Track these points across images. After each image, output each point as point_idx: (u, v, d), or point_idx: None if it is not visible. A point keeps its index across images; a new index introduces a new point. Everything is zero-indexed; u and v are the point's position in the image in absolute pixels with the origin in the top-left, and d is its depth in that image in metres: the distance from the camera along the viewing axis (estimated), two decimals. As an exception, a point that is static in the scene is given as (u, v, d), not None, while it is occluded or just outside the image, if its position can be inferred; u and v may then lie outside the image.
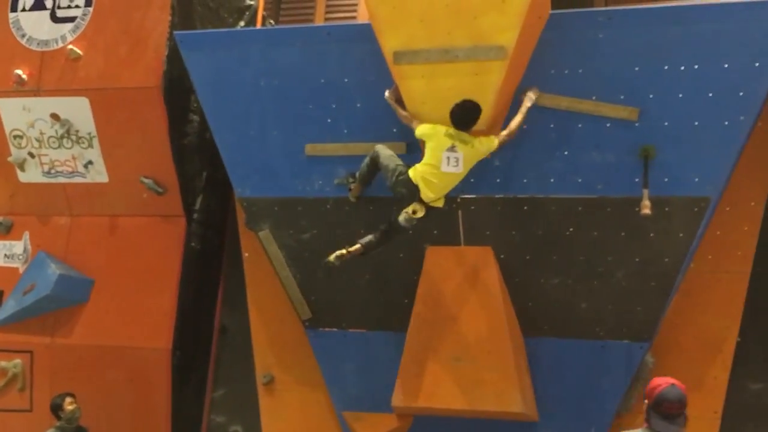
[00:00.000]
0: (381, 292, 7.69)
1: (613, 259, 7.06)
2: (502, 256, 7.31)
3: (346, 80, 7.32)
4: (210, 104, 7.75)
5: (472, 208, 7.27)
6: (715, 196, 6.85)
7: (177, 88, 8.30)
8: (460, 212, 7.31)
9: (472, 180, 7.17)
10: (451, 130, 6.67)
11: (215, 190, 8.88)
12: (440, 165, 6.64)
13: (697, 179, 6.74)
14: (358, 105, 7.32)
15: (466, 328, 7.23)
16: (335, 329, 7.92)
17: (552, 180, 7.07)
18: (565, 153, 6.98)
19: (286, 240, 7.77)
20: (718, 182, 6.81)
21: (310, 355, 8.03)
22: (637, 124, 6.75)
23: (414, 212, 6.75)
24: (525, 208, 7.17)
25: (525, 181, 7.13)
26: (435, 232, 7.41)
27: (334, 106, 7.38)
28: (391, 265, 7.58)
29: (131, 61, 8.30)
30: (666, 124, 6.71)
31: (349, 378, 7.86)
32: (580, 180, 6.98)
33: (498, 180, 7.18)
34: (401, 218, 6.79)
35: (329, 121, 7.42)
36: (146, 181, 8.48)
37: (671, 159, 6.74)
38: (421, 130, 6.79)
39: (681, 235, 6.87)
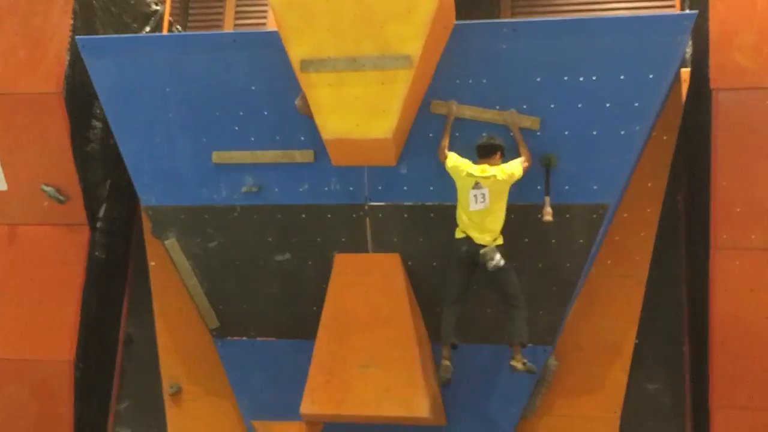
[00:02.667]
0: (289, 300, 7.68)
1: (517, 265, 7.19)
2: (409, 263, 7.39)
3: (253, 87, 7.29)
4: (113, 111, 7.60)
5: (380, 215, 7.34)
6: (613, 203, 7.09)
7: (79, 94, 8.11)
8: (368, 219, 7.37)
9: (379, 187, 7.26)
10: (471, 169, 6.81)
11: (120, 198, 8.73)
12: (469, 205, 6.81)
13: (595, 187, 6.95)
14: (266, 113, 7.30)
15: (375, 334, 7.29)
16: (243, 338, 7.87)
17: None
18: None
19: (193, 248, 7.68)
20: (616, 190, 7.04)
21: (218, 364, 7.97)
22: (538, 133, 6.92)
23: (486, 256, 6.77)
24: (432, 215, 7.27)
25: (432, 188, 7.23)
26: (343, 239, 7.44)
27: (241, 114, 7.34)
28: (300, 272, 7.59)
29: (31, 66, 8.07)
30: (566, 133, 6.90)
31: (258, 387, 7.83)
32: (485, 188, 7.13)
33: (405, 188, 7.26)
34: (490, 266, 6.78)
35: (236, 128, 7.37)
36: (48, 189, 8.25)
37: (571, 167, 6.94)
38: (448, 164, 6.91)
39: (581, 241, 7.09)
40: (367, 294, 7.37)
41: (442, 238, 7.29)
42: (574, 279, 7.21)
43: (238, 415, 8.01)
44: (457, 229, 7.00)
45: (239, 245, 7.58)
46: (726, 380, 7.32)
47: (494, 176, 6.78)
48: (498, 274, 6.83)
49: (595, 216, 7.02)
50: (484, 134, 6.87)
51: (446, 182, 7.15)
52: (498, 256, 6.77)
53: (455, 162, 6.91)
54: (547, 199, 6.90)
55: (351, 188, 7.31)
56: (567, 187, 6.98)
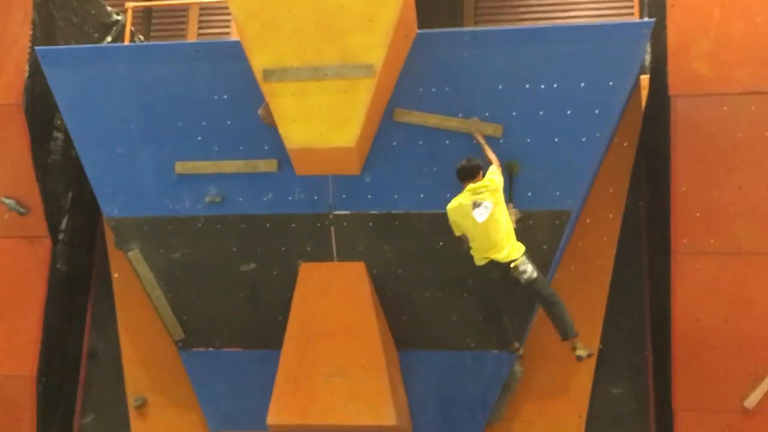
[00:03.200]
0: (255, 310, 7.66)
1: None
2: (374, 272, 7.40)
3: (216, 97, 7.28)
4: (74, 122, 7.54)
5: (345, 224, 7.34)
6: (576, 209, 7.16)
7: (39, 105, 8.04)
8: (332, 228, 7.37)
9: (344, 196, 7.27)
10: (459, 196, 6.84)
11: (82, 210, 8.65)
12: (477, 223, 6.75)
13: (558, 193, 7.02)
14: (229, 122, 7.29)
15: (340, 343, 7.30)
16: (209, 349, 7.82)
17: (422, 196, 7.22)
18: (434, 169, 7.15)
19: (157, 260, 7.63)
20: (578, 196, 7.12)
21: (184, 375, 7.91)
22: (501, 141, 6.99)
23: (516, 270, 6.80)
24: (396, 223, 7.30)
25: (396, 197, 7.26)
26: (308, 248, 7.44)
27: (204, 124, 7.32)
28: (265, 282, 7.57)
29: (-10, 77, 8.00)
30: (528, 140, 6.98)
31: (224, 397, 7.79)
32: (449, 195, 7.12)
33: (369, 196, 7.28)
34: (522, 280, 6.82)
35: (199, 138, 7.36)
36: (8, 201, 8.16)
37: (534, 174, 7.01)
38: (451, 217, 6.91)
39: (544, 247, 7.14)
40: (333, 303, 7.37)
41: (407, 246, 7.33)
42: (538, 285, 7.25)
43: (204, 426, 7.95)
44: (476, 258, 6.95)
45: (203, 256, 7.54)
46: (688, 383, 7.40)
47: (485, 186, 6.78)
48: (531, 285, 6.88)
49: (558, 222, 7.09)
50: (463, 160, 6.88)
51: (410, 190, 7.22)
52: (529, 269, 6.81)
53: (451, 207, 6.88)
54: (511, 206, 6.96)
55: (315, 197, 7.32)
56: (530, 194, 7.04)
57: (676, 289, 7.42)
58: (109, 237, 8.13)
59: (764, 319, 7.26)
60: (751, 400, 7.26)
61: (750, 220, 7.23)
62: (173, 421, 8.15)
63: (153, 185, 7.47)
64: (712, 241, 7.32)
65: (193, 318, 7.74)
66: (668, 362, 7.54)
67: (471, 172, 6.87)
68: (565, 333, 6.94)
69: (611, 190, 7.71)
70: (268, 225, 7.42)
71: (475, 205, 6.77)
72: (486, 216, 6.73)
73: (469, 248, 6.93)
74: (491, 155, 6.91)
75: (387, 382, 7.17)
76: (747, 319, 7.29)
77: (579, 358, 6.94)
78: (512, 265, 6.80)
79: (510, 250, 6.82)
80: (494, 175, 6.81)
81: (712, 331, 7.36)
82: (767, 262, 7.22)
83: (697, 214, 7.34)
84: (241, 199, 7.39)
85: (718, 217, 7.30)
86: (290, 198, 7.35)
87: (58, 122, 8.27)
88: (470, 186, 6.83)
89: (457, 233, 6.98)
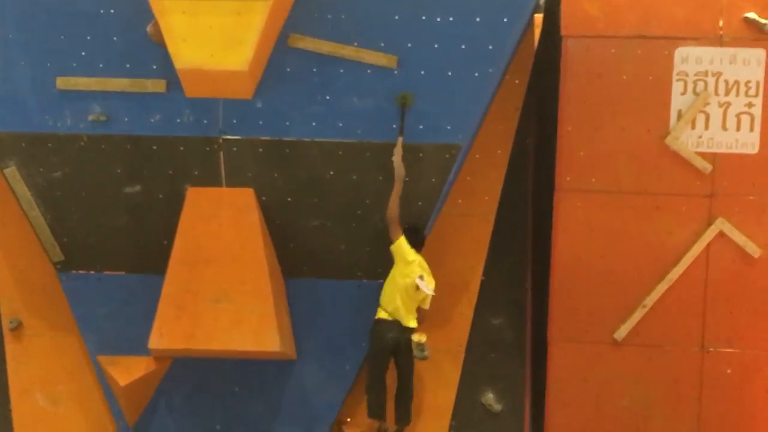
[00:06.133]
0: (139, 233, 7.50)
1: (371, 202, 7.30)
2: (263, 198, 7.34)
3: (102, 11, 6.97)
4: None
5: (234, 149, 7.23)
6: (466, 144, 7.25)
7: None
8: (221, 153, 7.25)
9: (234, 121, 7.14)
10: (416, 258, 7.17)
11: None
12: (411, 287, 7.13)
13: (449, 127, 7.08)
14: (115, 38, 7.01)
15: (226, 269, 7.24)
16: (90, 272, 7.63)
17: (314, 124, 7.16)
18: (327, 97, 7.08)
19: (35, 178, 7.34)
20: (469, 131, 7.20)
21: (62, 298, 7.71)
22: (395, 72, 6.96)
23: (419, 347, 7.16)
24: (287, 151, 7.23)
25: (287, 124, 7.18)
26: (196, 173, 7.30)
27: (89, 38, 7.02)
28: (150, 205, 7.40)
29: None
30: (422, 73, 6.98)
31: (104, 322, 7.64)
32: (340, 124, 7.13)
33: (261, 122, 7.17)
34: (417, 356, 7.18)
35: (83, 54, 7.06)
36: None
37: (426, 107, 7.03)
38: (397, 245, 7.15)
39: (433, 180, 7.23)
40: (220, 229, 7.28)
41: (298, 174, 7.29)
42: (426, 217, 7.36)
43: (83, 349, 7.81)
44: (380, 309, 7.23)
45: (86, 176, 7.31)
46: (563, 315, 7.74)
47: (427, 269, 7.22)
48: (412, 362, 7.28)
49: (447, 156, 7.17)
50: (412, 223, 7.21)
51: (303, 118, 7.14)
52: (428, 351, 7.17)
53: (403, 244, 7.15)
54: (400, 140, 6.99)
55: (205, 121, 7.16)
56: (421, 127, 7.07)
57: (557, 226, 7.68)
58: (-15, 153, 7.76)
59: (638, 256, 7.62)
60: (621, 333, 7.66)
61: (630, 161, 7.52)
62: (51, 343, 7.96)
63: (33, 100, 7.14)
64: (593, 180, 7.58)
65: (73, 240, 7.52)
66: (546, 295, 7.84)
67: (421, 241, 7.30)
68: (401, 418, 7.38)
69: (501, 127, 7.82)
70: (154, 147, 7.23)
71: (422, 278, 7.16)
72: (429, 292, 7.19)
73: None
74: (394, 200, 7.12)
75: (272, 308, 7.18)
76: (622, 256, 7.64)
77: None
78: (416, 339, 7.16)
79: (414, 319, 7.23)
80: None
81: (589, 266, 7.68)
82: (644, 202, 7.55)
83: (581, 153, 7.57)
84: (127, 119, 7.16)
85: (601, 156, 7.56)
86: (179, 120, 7.16)
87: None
88: (419, 258, 7.21)
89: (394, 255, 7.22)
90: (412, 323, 7.24)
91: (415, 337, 7.19)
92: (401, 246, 7.15)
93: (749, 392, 7.63)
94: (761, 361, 7.59)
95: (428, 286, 7.18)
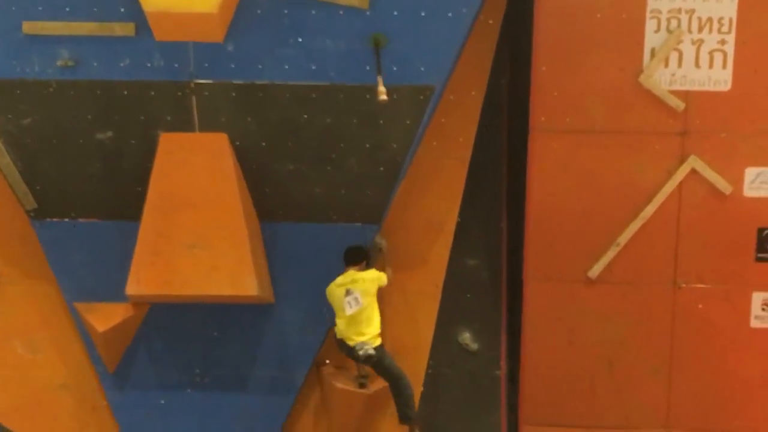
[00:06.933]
0: (112, 180, 7.44)
1: (345, 145, 7.28)
2: (237, 143, 7.29)
3: (66, -47, 6.83)
4: None
5: (207, 93, 7.15)
6: (440, 85, 7.22)
7: None
8: (194, 98, 7.17)
9: (206, 65, 7.06)
10: (339, 279, 7.38)
11: None
12: (345, 311, 7.33)
13: (422, 68, 7.03)
14: (81, -20, 6.87)
15: (202, 215, 7.22)
16: (64, 219, 7.59)
17: (286, 67, 7.09)
18: (299, 40, 7.00)
19: (5, 125, 7.24)
20: (443, 72, 7.16)
21: (37, 246, 7.68)
22: (368, 13, 6.88)
23: (360, 349, 7.38)
24: (260, 94, 7.16)
25: (260, 67, 7.10)
26: (168, 118, 7.23)
27: (53, -19, 6.88)
28: (123, 152, 7.35)
29: None
30: (395, 13, 6.89)
31: (80, 269, 7.64)
32: (314, 67, 7.06)
33: (232, 65, 7.09)
34: (361, 359, 7.43)
35: (50, -4, 6.92)
36: None
37: (399, 48, 6.96)
38: (328, 298, 7.49)
39: (408, 122, 7.20)
40: (194, 174, 7.24)
41: (271, 117, 7.24)
42: (401, 159, 7.35)
43: (60, 297, 7.81)
44: (336, 329, 7.55)
45: (56, 122, 7.21)
46: (538, 255, 7.82)
47: (362, 278, 7.37)
48: (372, 362, 7.49)
49: (421, 97, 7.14)
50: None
51: (276, 61, 7.06)
52: (367, 346, 7.37)
53: (329, 289, 7.46)
54: (380, 79, 6.92)
55: (175, 65, 7.07)
56: (395, 68, 7.01)
57: (532, 166, 7.71)
58: (-48, 101, 7.63)
59: (612, 195, 7.68)
60: (595, 271, 7.75)
61: (603, 100, 7.52)
62: (27, 291, 7.95)
63: (-2, 45, 7.03)
64: (567, 119, 7.59)
65: (46, 187, 7.46)
66: (522, 235, 7.90)
67: (354, 257, 7.47)
68: (405, 416, 7.64)
69: (475, 68, 7.78)
70: (125, 92, 7.13)
71: (348, 293, 7.32)
72: (354, 308, 7.31)
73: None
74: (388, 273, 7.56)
75: (249, 253, 7.20)
76: (596, 195, 7.70)
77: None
78: (354, 344, 7.39)
79: (367, 338, 7.42)
80: (380, 274, 7.46)
81: (564, 206, 7.74)
82: (618, 141, 7.58)
83: (555, 93, 7.56)
84: (95, 64, 7.04)
85: (575, 96, 7.55)
86: (149, 64, 7.06)
87: None
88: (346, 273, 7.39)
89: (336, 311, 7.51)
90: (362, 337, 7.41)
91: (356, 342, 7.45)
92: (329, 292, 7.48)
93: (720, 327, 7.79)
94: (732, 296, 7.73)
95: (350, 304, 7.34)
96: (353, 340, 7.40)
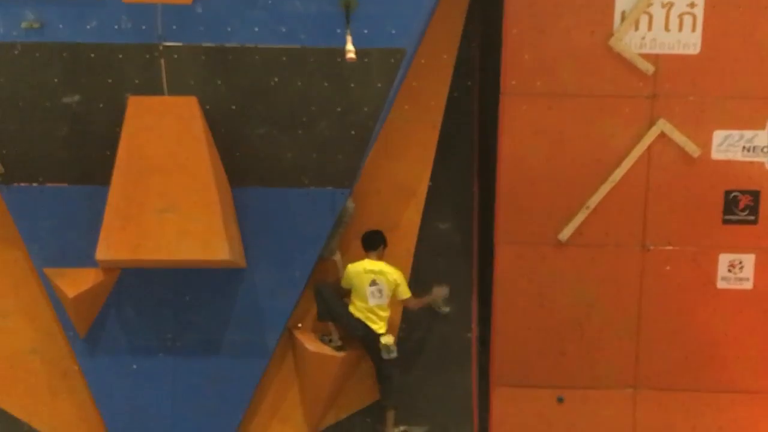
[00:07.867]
0: (80, 144, 7.35)
1: (316, 109, 7.25)
2: (207, 107, 7.23)
3: None
4: None
5: (176, 56, 7.07)
6: (411, 49, 7.20)
7: None
8: (162, 61, 7.09)
9: (174, 27, 6.97)
10: (366, 264, 7.68)
11: None
12: (368, 300, 7.68)
13: (393, 32, 7.00)
14: (45, -60, 6.74)
15: (172, 179, 7.16)
16: (32, 184, 7.50)
17: (256, 29, 7.02)
18: (269, 2, 6.94)
19: (-31, 89, 7.14)
20: (413, 35, 7.14)
21: (5, 211, 7.59)
22: (337, -25, 6.84)
23: (387, 348, 7.71)
24: (230, 57, 7.10)
25: (229, 29, 7.03)
26: (136, 81, 7.14)
27: (17, -60, 6.74)
28: (91, 115, 7.25)
29: None
30: (366, -25, 6.86)
31: (49, 234, 7.55)
32: (284, 30, 7.00)
33: (202, 28, 7.01)
34: (384, 356, 7.73)
35: (12, -44, 6.78)
36: None
37: (370, 11, 6.91)
38: (344, 279, 7.77)
39: (379, 85, 7.17)
40: (164, 138, 7.17)
41: (241, 81, 7.19)
42: (372, 123, 7.33)
43: (29, 263, 7.74)
44: (352, 307, 7.83)
45: (22, 86, 7.11)
46: (509, 218, 7.87)
47: (389, 274, 7.67)
48: (387, 361, 7.80)
49: (392, 60, 7.10)
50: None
51: (245, 23, 6.99)
52: (392, 347, 7.74)
53: (353, 268, 7.73)
54: (349, 38, 6.85)
55: (143, 27, 6.98)
56: (366, 32, 6.97)
57: (502, 129, 7.73)
58: None
59: (582, 158, 7.73)
60: (565, 234, 7.82)
61: (574, 63, 7.55)
62: (-5, 257, 7.89)
63: (-40, 7, 6.88)
64: (538, 83, 7.60)
65: (12, 152, 7.34)
66: (493, 199, 7.94)
67: (372, 242, 7.74)
68: (385, 396, 7.98)
69: (446, 31, 7.76)
70: (92, 55, 7.03)
71: (373, 283, 7.66)
72: (377, 301, 7.69)
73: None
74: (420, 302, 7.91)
75: (220, 217, 7.16)
76: (566, 159, 7.74)
77: None
78: (383, 341, 7.71)
79: (383, 325, 7.77)
80: (402, 281, 7.74)
81: (534, 169, 7.78)
82: (588, 104, 7.62)
83: (526, 57, 7.56)
84: (61, 26, 6.93)
85: (546, 59, 7.57)
86: (116, 27, 6.96)
87: None
88: (373, 261, 7.69)
89: (344, 286, 7.80)
90: (381, 327, 7.77)
91: (383, 340, 7.73)
92: (347, 273, 7.77)
93: (688, 288, 7.90)
94: (699, 257, 7.84)
95: (373, 294, 7.67)
96: (377, 327, 7.75)
